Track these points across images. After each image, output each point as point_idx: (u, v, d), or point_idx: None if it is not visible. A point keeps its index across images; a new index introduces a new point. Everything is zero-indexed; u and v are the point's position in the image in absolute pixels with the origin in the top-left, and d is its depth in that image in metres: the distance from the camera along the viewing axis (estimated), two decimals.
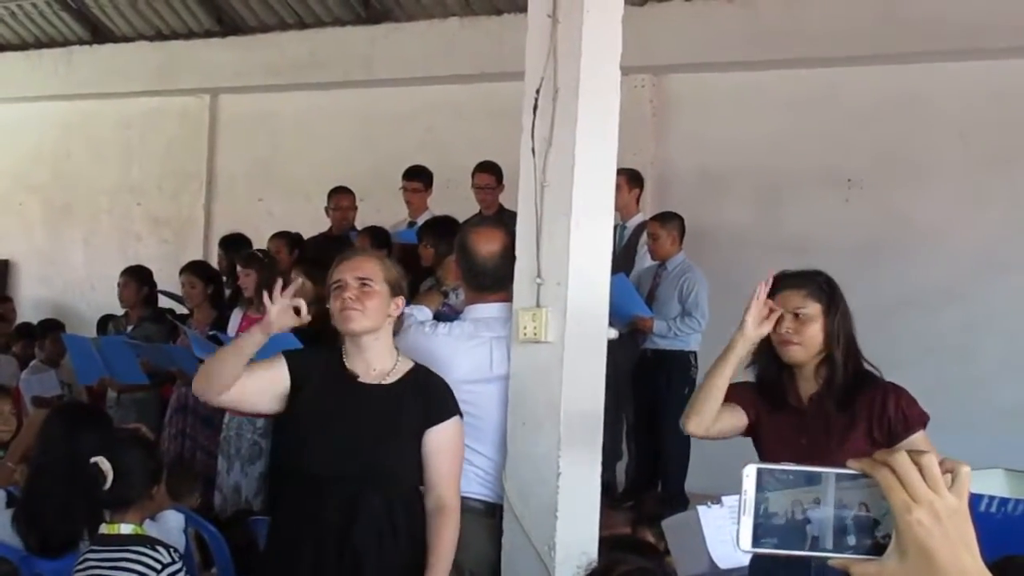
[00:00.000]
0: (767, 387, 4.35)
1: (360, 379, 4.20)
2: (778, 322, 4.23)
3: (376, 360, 4.22)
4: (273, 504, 4.72)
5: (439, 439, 4.20)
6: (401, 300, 4.26)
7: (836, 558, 1.48)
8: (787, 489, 1.49)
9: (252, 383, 4.19)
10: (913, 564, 1.43)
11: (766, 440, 4.36)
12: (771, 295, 4.27)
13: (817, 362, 4.26)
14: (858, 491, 1.48)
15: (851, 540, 1.48)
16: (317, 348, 4.54)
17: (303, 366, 4.25)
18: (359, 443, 4.09)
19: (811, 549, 1.47)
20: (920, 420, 4.23)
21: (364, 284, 4.14)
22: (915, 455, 1.45)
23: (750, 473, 1.50)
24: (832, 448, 4.15)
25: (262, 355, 4.23)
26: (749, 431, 4.41)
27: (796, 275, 4.31)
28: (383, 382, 4.20)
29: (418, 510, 4.21)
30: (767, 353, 4.32)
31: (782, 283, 4.28)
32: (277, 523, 4.38)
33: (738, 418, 4.37)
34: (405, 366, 4.26)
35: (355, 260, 4.28)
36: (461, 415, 4.29)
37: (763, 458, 4.33)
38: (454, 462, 4.27)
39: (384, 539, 4.09)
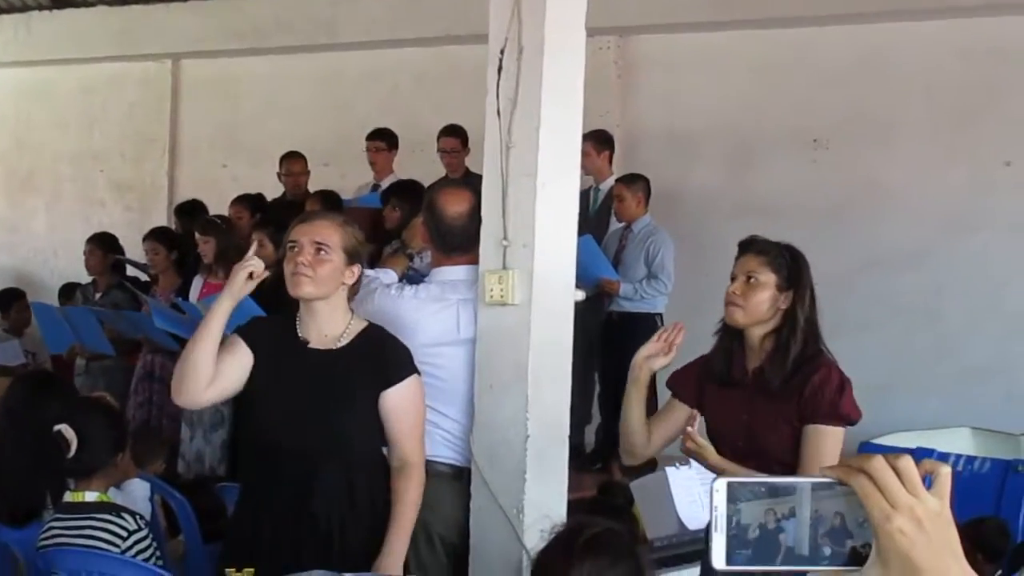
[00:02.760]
0: (719, 358, 4.29)
1: (311, 345, 4.14)
2: (730, 282, 4.20)
3: (328, 325, 4.15)
4: (237, 474, 4.70)
5: (397, 399, 4.14)
6: (357, 268, 4.18)
7: (813, 570, 1.42)
8: (760, 500, 1.43)
9: (228, 371, 4.13)
10: (896, 574, 1.37)
11: (710, 418, 4.33)
12: (736, 259, 4.24)
13: (763, 333, 4.18)
14: (835, 500, 1.42)
15: (827, 551, 1.42)
16: (270, 316, 4.48)
17: (256, 337, 4.19)
18: (313, 410, 4.04)
19: (785, 561, 1.41)
20: (830, 415, 4.06)
21: (320, 249, 4.07)
22: (892, 459, 1.38)
23: (720, 488, 1.44)
24: (770, 426, 4.12)
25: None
26: (701, 411, 4.36)
27: (763, 242, 4.24)
28: (335, 346, 4.14)
29: (380, 475, 4.18)
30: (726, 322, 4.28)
31: (747, 247, 4.24)
32: (241, 495, 4.35)
33: (675, 419, 4.35)
34: (358, 327, 4.19)
35: (315, 223, 4.20)
36: (419, 373, 4.23)
37: (709, 434, 4.32)
38: (415, 421, 4.22)
39: (344, 507, 4.06)
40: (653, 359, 4.28)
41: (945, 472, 1.41)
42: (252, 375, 4.15)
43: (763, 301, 4.14)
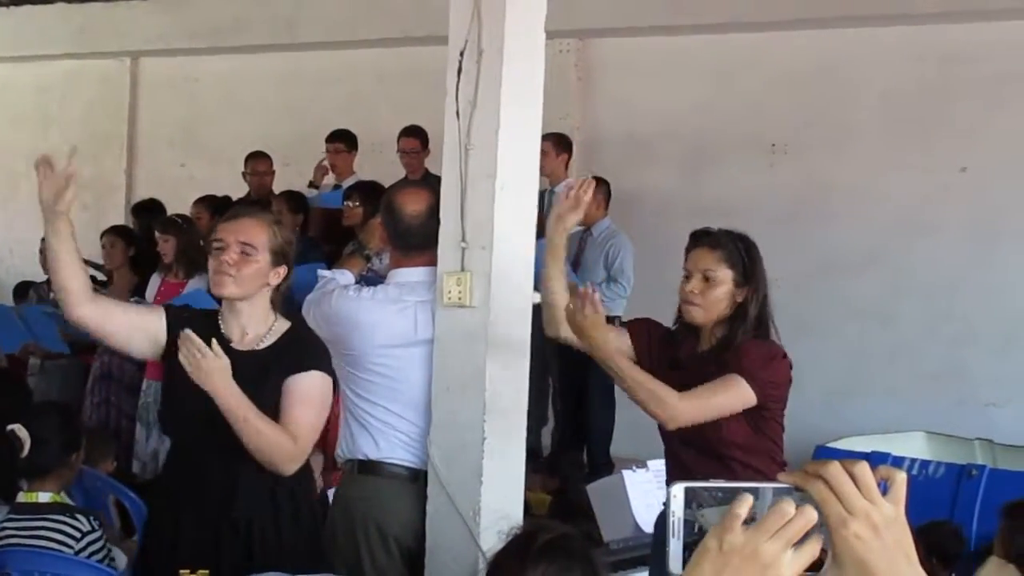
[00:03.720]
0: (675, 340, 4.29)
1: (234, 344, 4.02)
2: (684, 279, 4.17)
3: (250, 325, 4.07)
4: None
5: (293, 386, 3.97)
6: (283, 270, 4.08)
7: None
8: (721, 506, 1.44)
9: (119, 311, 4.19)
10: None
11: None
12: (687, 250, 4.22)
13: (715, 323, 4.18)
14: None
15: None
16: (198, 310, 4.37)
17: (180, 322, 4.03)
18: None
19: None
20: (736, 367, 4.03)
21: (245, 251, 3.99)
22: (848, 464, 1.41)
23: (678, 493, 1.45)
24: None
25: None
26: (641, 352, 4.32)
27: (715, 234, 4.21)
28: (256, 347, 4.05)
29: (305, 479, 4.13)
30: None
31: (700, 240, 4.21)
32: (161, 491, 4.28)
33: (620, 340, 4.31)
34: (282, 328, 4.11)
35: (243, 222, 4.10)
36: (332, 376, 4.11)
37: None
38: (308, 413, 4.00)
39: (267, 512, 3.99)
40: (565, 217, 4.32)
41: (901, 478, 1.43)
42: (172, 369, 4.00)
43: (721, 299, 4.13)
